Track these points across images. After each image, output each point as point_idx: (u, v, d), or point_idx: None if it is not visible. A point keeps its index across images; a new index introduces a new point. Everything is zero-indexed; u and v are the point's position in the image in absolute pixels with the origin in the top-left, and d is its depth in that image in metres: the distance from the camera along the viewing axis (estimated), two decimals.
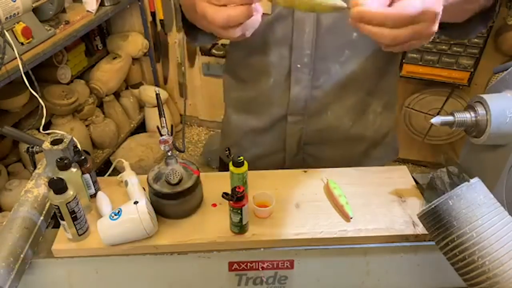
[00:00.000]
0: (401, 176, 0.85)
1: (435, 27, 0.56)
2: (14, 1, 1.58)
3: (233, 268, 0.74)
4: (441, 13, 0.55)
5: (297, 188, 0.82)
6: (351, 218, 0.74)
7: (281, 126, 0.95)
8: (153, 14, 2.59)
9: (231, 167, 0.75)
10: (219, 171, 1.13)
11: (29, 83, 1.57)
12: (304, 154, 0.98)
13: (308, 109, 0.91)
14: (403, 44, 0.57)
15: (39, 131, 1.67)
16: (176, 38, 2.68)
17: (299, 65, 0.86)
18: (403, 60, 2.16)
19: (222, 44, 2.57)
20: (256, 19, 0.60)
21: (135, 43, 2.57)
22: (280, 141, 0.97)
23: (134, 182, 0.80)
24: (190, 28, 0.86)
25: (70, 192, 0.67)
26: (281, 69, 0.88)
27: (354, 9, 0.55)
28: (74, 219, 0.69)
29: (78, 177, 0.74)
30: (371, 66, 0.89)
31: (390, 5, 0.56)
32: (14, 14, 1.59)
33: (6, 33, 1.53)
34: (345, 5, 0.56)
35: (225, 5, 0.57)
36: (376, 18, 0.54)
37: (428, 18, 0.55)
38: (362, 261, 0.75)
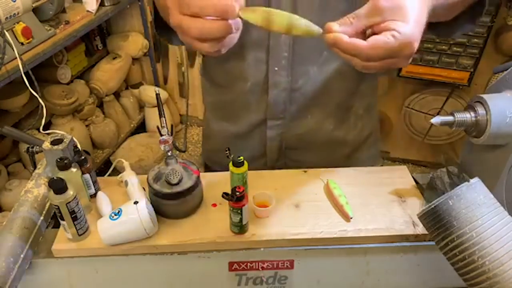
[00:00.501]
0: (401, 176, 0.85)
1: (410, 61, 0.57)
2: (14, 1, 1.58)
3: (233, 268, 0.74)
4: (416, 48, 0.55)
5: (297, 188, 0.82)
6: (351, 218, 0.74)
7: (260, 131, 0.93)
8: None
9: (231, 167, 0.75)
10: None
11: (29, 83, 1.57)
12: (286, 159, 0.97)
13: (288, 113, 0.90)
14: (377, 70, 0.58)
15: (39, 131, 1.67)
16: None
17: (276, 68, 0.85)
18: None
19: None
20: (234, 37, 0.59)
21: (135, 43, 2.57)
22: (260, 146, 0.95)
23: (134, 182, 0.80)
24: (164, 30, 0.84)
25: (70, 192, 0.67)
26: (258, 73, 0.87)
27: (329, 36, 0.56)
28: (74, 219, 0.69)
29: (78, 177, 0.74)
30: (350, 68, 0.87)
31: (364, 33, 0.57)
32: (14, 14, 1.59)
33: (6, 33, 1.53)
34: (320, 30, 0.57)
35: (200, 17, 0.55)
36: (348, 50, 0.55)
37: (403, 55, 0.55)
38: (362, 261, 0.75)
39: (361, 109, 0.95)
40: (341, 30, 0.56)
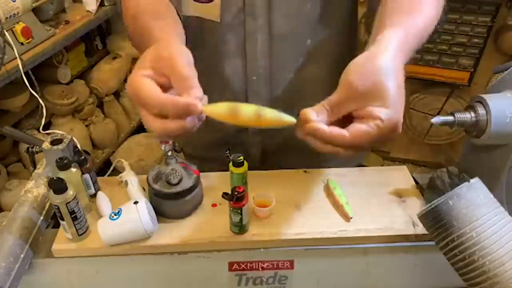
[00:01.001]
0: (401, 176, 0.85)
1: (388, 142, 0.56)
2: (14, 1, 1.58)
3: (233, 268, 0.74)
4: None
5: (297, 188, 0.82)
6: (351, 218, 0.74)
7: (241, 138, 0.92)
8: None
9: (231, 167, 0.75)
10: None
11: (29, 83, 1.57)
12: (269, 164, 0.95)
13: None
14: None
15: (39, 131, 1.67)
16: None
17: (254, 77, 0.83)
18: None
19: None
20: (196, 126, 0.56)
21: None
22: (242, 152, 0.94)
23: (134, 182, 0.80)
24: None
25: (70, 192, 0.67)
26: (236, 82, 0.85)
27: (306, 126, 0.53)
28: (74, 219, 0.69)
29: (78, 177, 0.74)
30: (328, 72, 0.86)
31: (343, 119, 0.53)
32: (14, 14, 1.59)
33: (6, 33, 1.53)
34: (292, 119, 0.54)
35: (162, 117, 0.52)
36: (329, 141, 0.52)
37: (388, 138, 0.52)
38: (362, 261, 0.75)
39: None
40: (318, 119, 0.52)
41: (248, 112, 0.54)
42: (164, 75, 0.55)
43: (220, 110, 0.54)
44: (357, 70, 0.53)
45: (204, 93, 0.91)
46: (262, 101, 0.85)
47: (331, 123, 0.53)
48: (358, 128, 0.51)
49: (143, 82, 0.53)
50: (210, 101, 0.91)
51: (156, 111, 0.52)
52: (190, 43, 0.87)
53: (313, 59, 0.85)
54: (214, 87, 0.86)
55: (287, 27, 0.80)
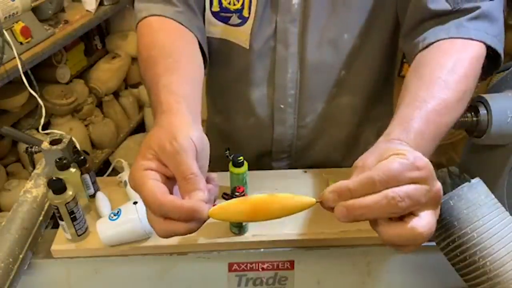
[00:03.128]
0: None
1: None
2: (13, 0, 1.58)
3: (233, 268, 0.74)
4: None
5: (298, 188, 0.82)
6: None
7: (265, 162, 0.90)
8: None
9: (231, 167, 0.75)
10: None
11: (28, 82, 1.56)
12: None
13: (294, 147, 0.86)
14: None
15: (38, 131, 1.66)
16: None
17: (282, 106, 0.81)
18: (403, 60, 2.16)
19: None
20: (201, 225, 0.49)
21: (134, 42, 2.54)
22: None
23: None
24: None
25: (69, 192, 0.67)
26: (262, 109, 0.82)
27: (340, 205, 0.46)
28: (73, 219, 0.69)
29: (77, 177, 0.74)
30: (361, 100, 0.83)
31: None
32: (13, 13, 1.59)
33: (5, 33, 1.53)
34: (313, 200, 0.48)
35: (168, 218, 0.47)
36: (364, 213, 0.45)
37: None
38: (363, 261, 0.75)
39: (373, 136, 0.87)
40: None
41: (266, 206, 0.47)
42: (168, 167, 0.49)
43: (228, 215, 0.48)
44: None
45: (228, 110, 0.89)
46: (288, 129, 0.83)
47: None
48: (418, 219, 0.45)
49: (146, 181, 0.47)
50: (234, 123, 0.88)
51: (159, 214, 0.47)
52: (216, 64, 0.84)
53: (346, 90, 0.81)
54: (238, 111, 0.86)
55: (320, 56, 0.76)
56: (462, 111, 0.60)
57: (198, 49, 0.71)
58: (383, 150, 0.47)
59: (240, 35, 0.76)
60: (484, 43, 0.62)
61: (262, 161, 0.90)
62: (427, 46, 0.63)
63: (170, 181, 0.49)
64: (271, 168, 0.91)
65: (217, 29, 0.77)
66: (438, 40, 0.63)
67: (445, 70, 0.58)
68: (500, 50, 0.64)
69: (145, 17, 0.71)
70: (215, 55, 0.82)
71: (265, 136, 0.86)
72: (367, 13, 0.73)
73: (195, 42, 0.72)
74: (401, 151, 0.45)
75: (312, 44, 0.75)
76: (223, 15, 0.75)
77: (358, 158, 0.49)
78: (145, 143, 0.51)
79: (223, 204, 0.48)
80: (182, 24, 0.71)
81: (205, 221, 0.48)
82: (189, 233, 0.47)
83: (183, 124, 0.52)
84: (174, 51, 0.65)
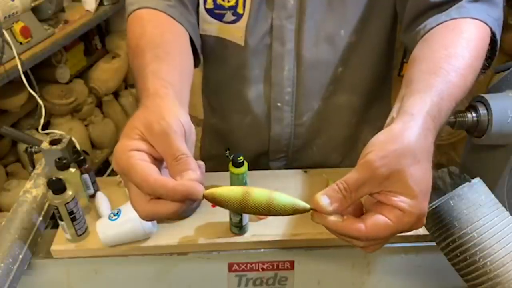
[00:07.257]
0: None
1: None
2: (13, 0, 1.58)
3: (233, 269, 0.74)
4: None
5: (297, 188, 0.82)
6: None
7: (263, 161, 0.89)
8: None
9: (231, 167, 0.75)
10: None
11: (27, 82, 1.56)
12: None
13: (291, 146, 0.86)
14: None
15: (38, 131, 1.66)
16: None
17: (279, 104, 0.80)
18: (403, 60, 2.16)
19: None
20: (193, 209, 0.50)
21: None
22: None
23: None
24: None
25: (69, 193, 0.67)
26: (259, 107, 0.82)
27: (318, 217, 0.48)
28: (73, 219, 0.68)
29: (77, 177, 0.74)
30: (359, 98, 0.83)
31: (359, 211, 0.48)
32: (13, 13, 1.59)
33: (5, 32, 1.52)
34: (307, 206, 0.48)
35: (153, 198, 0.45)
36: (344, 234, 0.46)
37: (409, 230, 0.46)
38: (363, 261, 0.75)
39: (371, 136, 0.86)
40: (332, 209, 0.45)
41: (259, 199, 0.46)
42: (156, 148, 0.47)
43: (225, 195, 0.46)
44: (379, 149, 0.46)
45: (223, 109, 0.88)
46: (285, 127, 0.83)
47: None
48: (375, 220, 0.45)
49: (134, 161, 0.45)
50: (231, 122, 0.89)
51: (150, 194, 0.45)
52: (211, 62, 0.83)
53: (344, 88, 0.81)
54: (234, 109, 0.85)
55: (317, 53, 0.76)
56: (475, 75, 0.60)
57: (189, 44, 0.70)
58: (395, 153, 0.45)
59: (235, 32, 0.75)
60: (486, 24, 0.61)
61: (260, 161, 0.90)
62: (429, 31, 0.63)
63: (157, 162, 0.47)
64: (268, 169, 0.90)
65: (211, 26, 0.77)
66: (439, 24, 0.62)
67: (455, 44, 0.57)
68: (498, 36, 0.63)
69: (136, 9, 0.70)
70: (210, 53, 0.81)
71: (262, 135, 0.85)
72: (363, 8, 0.73)
73: (186, 36, 0.71)
74: (399, 205, 0.44)
75: (308, 40, 0.75)
76: (217, 12, 0.75)
77: (370, 145, 0.48)
78: (129, 124, 0.48)
79: (219, 187, 0.46)
80: (173, 18, 0.70)
81: (195, 203, 0.46)
82: (174, 217, 0.46)
83: (171, 106, 0.50)
84: (163, 42, 0.63)
